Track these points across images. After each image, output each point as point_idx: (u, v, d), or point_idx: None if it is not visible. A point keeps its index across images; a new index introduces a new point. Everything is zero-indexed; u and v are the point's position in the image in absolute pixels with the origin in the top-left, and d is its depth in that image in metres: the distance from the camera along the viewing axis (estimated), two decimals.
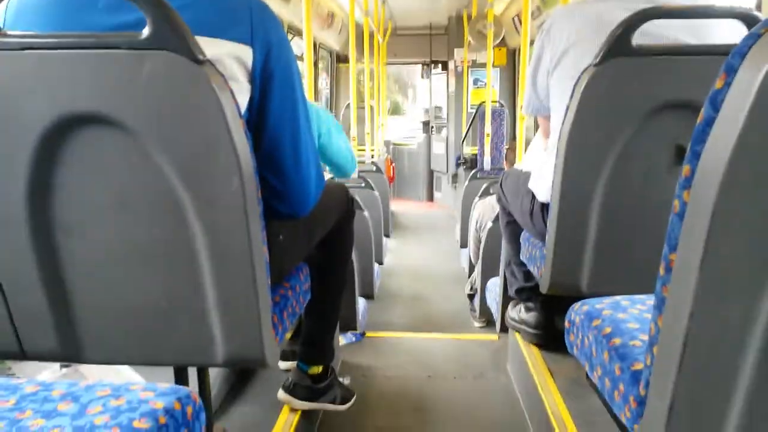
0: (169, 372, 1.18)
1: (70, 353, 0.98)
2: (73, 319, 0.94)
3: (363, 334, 2.44)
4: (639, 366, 0.82)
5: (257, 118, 1.01)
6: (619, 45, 1.15)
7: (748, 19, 1.11)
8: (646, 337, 0.82)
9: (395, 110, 10.16)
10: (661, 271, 0.71)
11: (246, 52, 0.95)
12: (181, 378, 1.16)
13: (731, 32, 1.26)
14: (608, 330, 0.92)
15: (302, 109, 1.06)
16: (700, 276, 0.63)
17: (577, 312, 1.06)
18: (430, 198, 7.33)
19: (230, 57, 0.93)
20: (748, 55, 0.58)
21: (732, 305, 0.64)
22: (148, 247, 0.90)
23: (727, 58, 0.61)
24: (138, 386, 0.80)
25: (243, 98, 0.96)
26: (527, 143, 3.26)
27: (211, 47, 0.86)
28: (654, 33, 1.25)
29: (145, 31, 0.79)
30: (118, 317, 0.94)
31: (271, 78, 0.99)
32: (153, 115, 0.82)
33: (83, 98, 0.82)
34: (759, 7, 1.59)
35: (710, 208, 0.61)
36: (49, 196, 0.87)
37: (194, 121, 0.83)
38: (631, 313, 0.97)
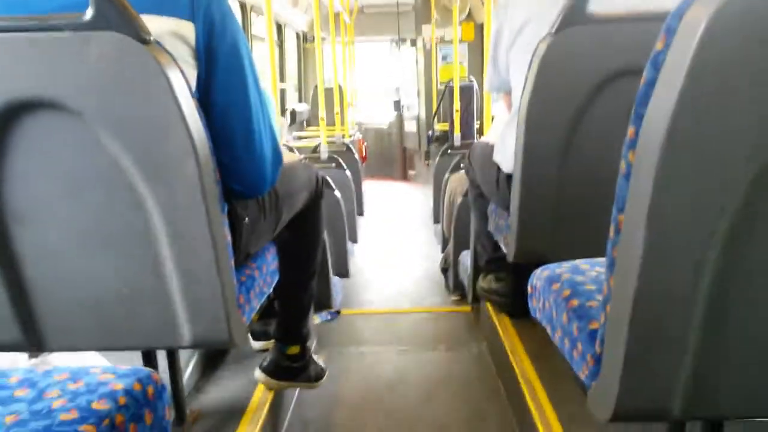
0: (139, 356, 1.17)
1: (33, 342, 0.96)
2: (34, 308, 0.93)
3: (338, 313, 2.45)
4: (596, 325, 0.84)
5: (205, 96, 0.98)
6: (573, 13, 1.16)
7: None
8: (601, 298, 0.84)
9: None
10: (611, 233, 0.73)
11: (188, 29, 0.92)
12: (149, 361, 1.15)
13: None
14: (567, 293, 0.94)
15: (253, 85, 1.04)
16: (646, 234, 0.65)
17: (538, 277, 1.08)
18: (404, 176, 7.34)
19: (172, 34, 0.90)
20: (685, 16, 0.59)
21: (678, 262, 0.66)
22: (104, 234, 0.88)
23: (666, 20, 0.62)
24: (97, 369, 0.79)
25: (190, 76, 0.94)
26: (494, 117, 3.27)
27: (151, 24, 0.84)
28: (618, 4, 1.26)
29: (89, 12, 0.77)
30: (78, 304, 0.93)
31: (216, 53, 0.97)
32: (100, 98, 0.80)
33: (27, 83, 0.79)
34: None
35: (654, 167, 0.62)
36: None
37: (143, 102, 0.81)
38: (589, 275, 0.99)
